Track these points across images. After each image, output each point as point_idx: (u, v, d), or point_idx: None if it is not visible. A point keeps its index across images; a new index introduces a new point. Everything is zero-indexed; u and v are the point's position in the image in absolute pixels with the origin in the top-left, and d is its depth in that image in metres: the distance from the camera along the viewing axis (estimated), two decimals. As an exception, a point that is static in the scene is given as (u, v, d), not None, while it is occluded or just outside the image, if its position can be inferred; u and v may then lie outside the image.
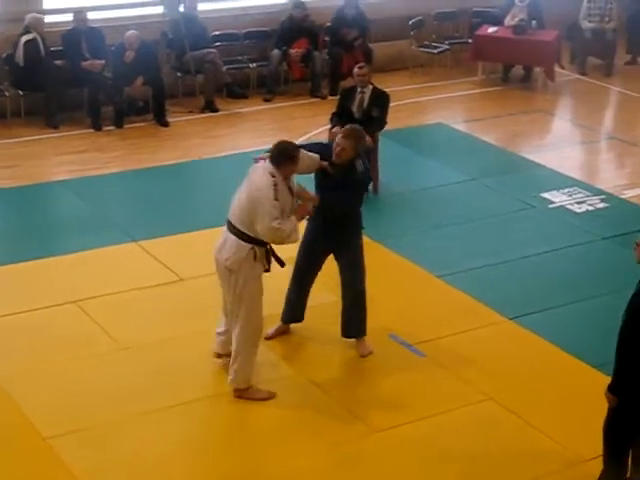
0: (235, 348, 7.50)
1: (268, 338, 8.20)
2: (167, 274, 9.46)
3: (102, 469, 6.82)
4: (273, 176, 7.23)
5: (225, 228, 7.46)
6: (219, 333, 7.90)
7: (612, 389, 6.27)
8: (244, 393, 7.53)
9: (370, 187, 11.41)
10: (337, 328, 8.22)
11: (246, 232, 7.29)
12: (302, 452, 7.06)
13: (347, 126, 8.06)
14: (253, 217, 7.22)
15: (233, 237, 7.35)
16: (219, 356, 7.96)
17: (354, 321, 8.19)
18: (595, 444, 7.08)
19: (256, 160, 7.53)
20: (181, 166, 12.20)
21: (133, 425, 7.29)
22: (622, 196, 11.61)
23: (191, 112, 13.97)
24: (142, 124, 13.47)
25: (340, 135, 7.88)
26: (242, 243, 7.30)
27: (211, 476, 6.86)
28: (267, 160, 7.35)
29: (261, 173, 7.31)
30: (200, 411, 7.52)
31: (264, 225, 7.15)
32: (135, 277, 9.32)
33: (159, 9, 14.49)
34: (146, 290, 9.15)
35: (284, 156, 7.31)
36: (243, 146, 12.76)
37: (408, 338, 8.43)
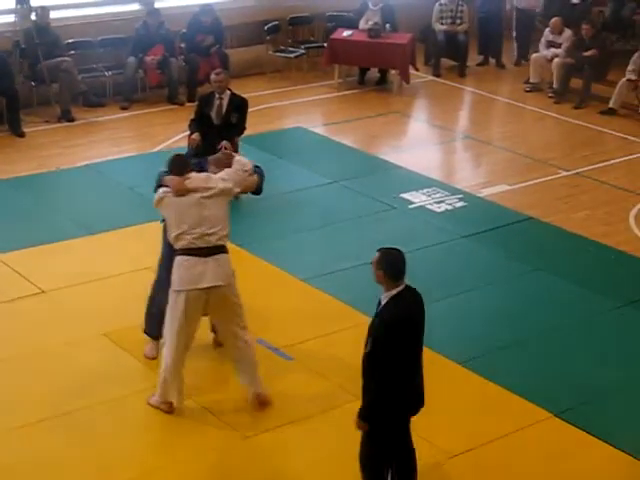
0: (254, 354, 7.50)
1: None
2: (28, 286, 9.26)
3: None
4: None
5: (203, 259, 7.12)
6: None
7: (362, 416, 6.13)
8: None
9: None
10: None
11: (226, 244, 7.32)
12: (174, 459, 7.00)
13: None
14: (227, 211, 7.31)
15: (222, 255, 7.22)
16: None
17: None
18: (462, 439, 7.24)
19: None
20: (38, 177, 11.97)
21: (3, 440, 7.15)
22: (479, 194, 11.85)
23: (47, 122, 13.73)
24: (-4, 135, 13.20)
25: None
26: (227, 255, 7.30)
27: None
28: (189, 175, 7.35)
29: (203, 179, 7.32)
30: (77, 421, 7.39)
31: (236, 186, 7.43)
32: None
33: (10, 18, 14.17)
34: (7, 304, 8.94)
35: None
36: (101, 155, 12.61)
37: (275, 342, 8.44)
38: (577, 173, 12.64)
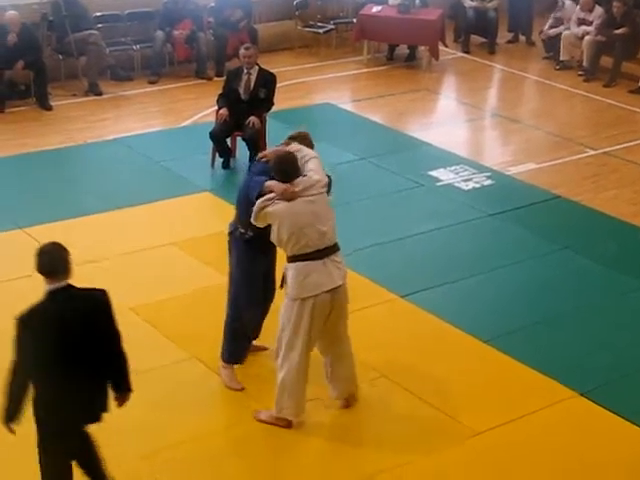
0: (353, 364, 7.27)
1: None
2: (55, 261, 9.29)
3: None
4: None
5: (322, 261, 6.75)
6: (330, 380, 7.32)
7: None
8: None
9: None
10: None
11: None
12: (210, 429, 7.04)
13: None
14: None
15: (337, 253, 6.88)
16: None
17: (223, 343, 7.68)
18: (487, 416, 7.24)
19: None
20: (65, 151, 11.99)
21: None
22: (507, 173, 11.79)
23: (74, 95, 13.74)
24: (24, 108, 13.21)
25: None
26: (340, 251, 6.97)
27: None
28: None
29: (306, 179, 6.86)
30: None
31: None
32: (22, 265, 9.11)
33: (39, -9, 14.20)
34: (34, 278, 8.95)
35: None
36: (128, 129, 12.62)
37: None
38: (605, 152, 12.55)
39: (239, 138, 11.60)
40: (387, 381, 7.67)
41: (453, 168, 11.76)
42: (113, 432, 6.96)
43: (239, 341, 7.53)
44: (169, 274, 9.18)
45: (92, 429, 5.92)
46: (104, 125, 12.82)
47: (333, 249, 6.85)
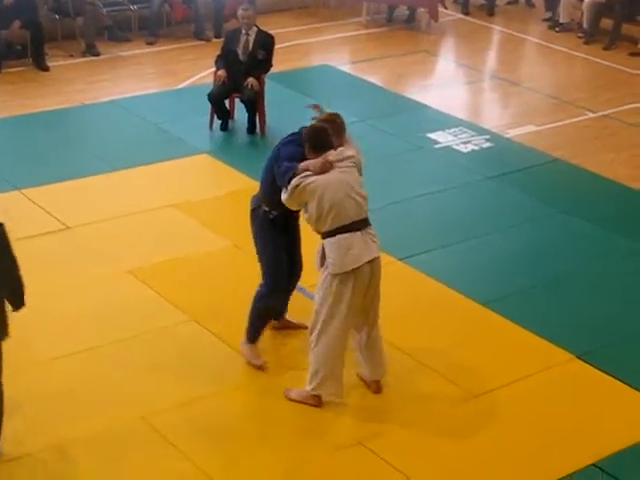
0: (383, 348, 7.17)
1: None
2: (53, 222, 9.28)
3: None
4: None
5: (359, 233, 6.69)
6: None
7: None
8: None
9: (257, 130, 11.46)
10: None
11: None
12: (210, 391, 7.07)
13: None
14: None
15: (371, 227, 6.83)
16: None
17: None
18: (485, 379, 7.27)
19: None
20: (63, 112, 11.94)
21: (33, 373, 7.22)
22: (506, 135, 11.76)
23: (72, 56, 13.67)
24: (21, 69, 13.15)
25: None
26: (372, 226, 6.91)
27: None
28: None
29: (338, 151, 6.85)
30: (107, 355, 7.44)
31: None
32: (20, 226, 9.11)
33: (35, -50, 14.08)
34: (32, 239, 8.97)
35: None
36: (126, 91, 12.56)
37: (303, 283, 8.40)
38: (605, 115, 12.52)
39: (237, 100, 11.56)
40: (385, 344, 7.67)
41: (452, 130, 11.73)
42: (114, 392, 7.03)
43: (259, 321, 7.40)
44: (168, 237, 9.17)
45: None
46: (101, 86, 12.76)
47: (367, 222, 6.82)
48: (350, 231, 6.68)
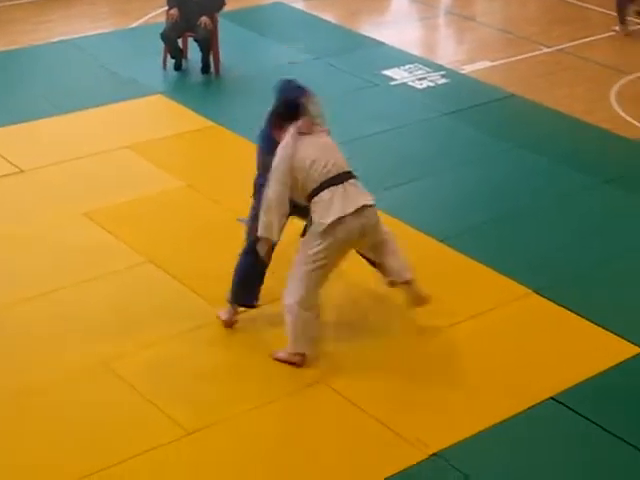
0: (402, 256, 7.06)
1: None
2: (6, 166, 9.18)
3: None
4: None
5: (341, 185, 6.59)
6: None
7: None
8: None
9: (212, 69, 11.35)
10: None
11: None
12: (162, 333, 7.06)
13: None
14: None
15: (355, 180, 6.73)
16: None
17: None
18: (444, 315, 7.31)
19: None
20: (10, 54, 11.74)
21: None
22: (461, 71, 11.74)
23: (19, -4, 13.47)
24: (-33, 10, 12.96)
25: None
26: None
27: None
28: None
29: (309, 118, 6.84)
30: (64, 298, 7.40)
31: None
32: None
33: None
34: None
35: None
36: (76, 31, 12.39)
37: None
38: (559, 49, 12.52)
39: (191, 39, 11.44)
40: (342, 285, 7.69)
41: (407, 67, 11.69)
42: (72, 337, 7.00)
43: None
44: (123, 178, 9.10)
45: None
46: (50, 27, 12.56)
47: (349, 175, 6.72)
48: (333, 185, 6.58)
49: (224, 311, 7.16)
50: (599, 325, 7.28)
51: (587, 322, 7.33)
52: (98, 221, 8.38)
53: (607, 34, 13.07)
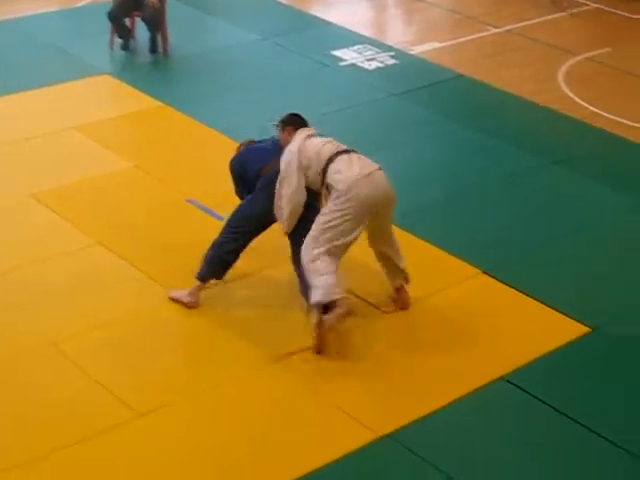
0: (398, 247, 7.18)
1: None
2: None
3: None
4: None
5: (352, 154, 6.99)
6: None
7: None
8: None
9: (160, 49, 11.27)
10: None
11: None
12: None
13: None
14: None
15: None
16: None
17: None
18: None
19: None
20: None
21: None
22: (411, 52, 11.75)
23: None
24: None
25: None
26: None
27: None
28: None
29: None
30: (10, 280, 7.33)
31: None
32: None
33: None
34: None
35: None
36: (20, 10, 12.21)
37: (206, 202, 8.36)
38: (508, 30, 12.57)
39: (138, 18, 11.33)
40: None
41: (356, 48, 11.68)
42: (21, 319, 6.94)
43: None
44: (70, 159, 9.01)
45: None
46: (-4, 5, 12.42)
47: (351, 150, 7.00)
48: (338, 155, 6.87)
49: (184, 293, 7.13)
50: (546, 304, 7.33)
51: (535, 302, 7.37)
52: (46, 203, 8.29)
53: (555, 15, 13.14)
